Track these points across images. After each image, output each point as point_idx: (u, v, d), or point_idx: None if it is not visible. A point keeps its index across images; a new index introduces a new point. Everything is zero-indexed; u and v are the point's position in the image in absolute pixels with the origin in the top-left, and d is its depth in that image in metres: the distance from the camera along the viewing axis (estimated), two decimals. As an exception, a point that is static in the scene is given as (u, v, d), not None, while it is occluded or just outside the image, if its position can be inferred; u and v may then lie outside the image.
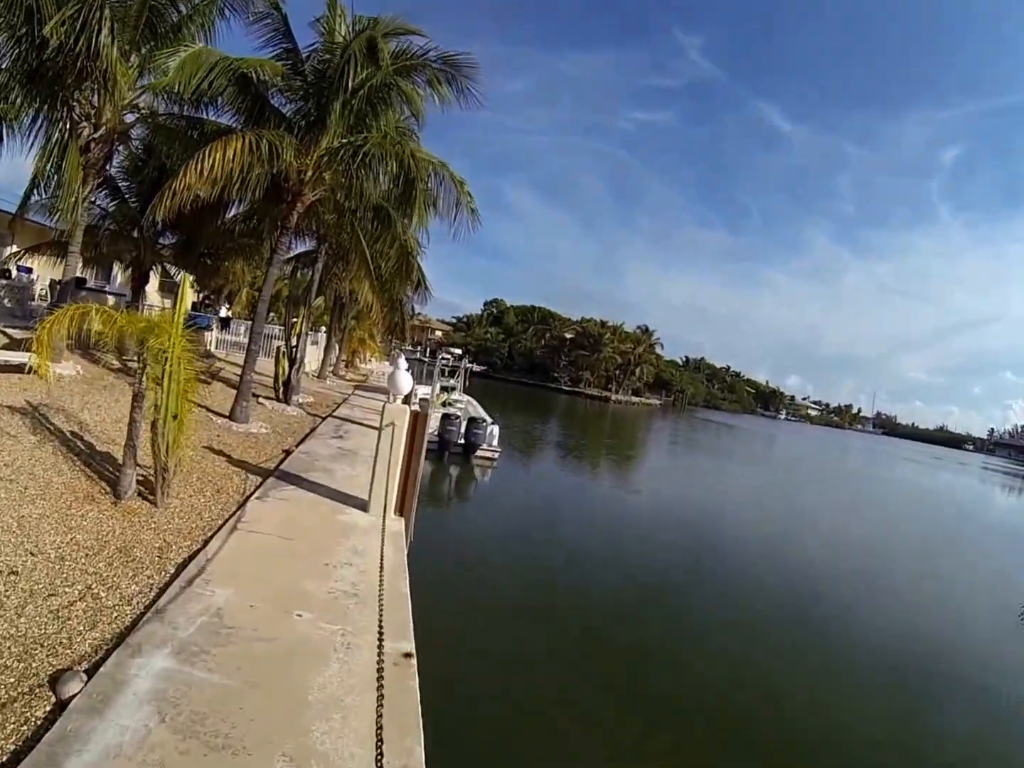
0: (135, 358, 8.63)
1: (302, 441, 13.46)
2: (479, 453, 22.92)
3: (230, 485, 9.60)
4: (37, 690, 4.32)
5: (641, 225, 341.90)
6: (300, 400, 19.48)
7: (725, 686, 9.43)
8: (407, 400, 10.15)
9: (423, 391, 26.60)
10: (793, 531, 23.10)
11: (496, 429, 23.86)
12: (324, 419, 16.80)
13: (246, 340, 26.66)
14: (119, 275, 27.08)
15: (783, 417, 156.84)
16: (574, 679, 9.03)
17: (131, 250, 18.02)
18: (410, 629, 5.85)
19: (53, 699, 4.26)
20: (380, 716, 3.79)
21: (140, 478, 8.43)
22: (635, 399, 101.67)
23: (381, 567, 6.29)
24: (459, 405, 28.17)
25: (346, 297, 26.93)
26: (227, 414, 13.77)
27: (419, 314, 67.36)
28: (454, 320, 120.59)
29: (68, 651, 4.82)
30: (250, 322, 30.67)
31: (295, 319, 17.49)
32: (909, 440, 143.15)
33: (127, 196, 17.26)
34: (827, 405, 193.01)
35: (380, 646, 4.76)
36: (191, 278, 19.47)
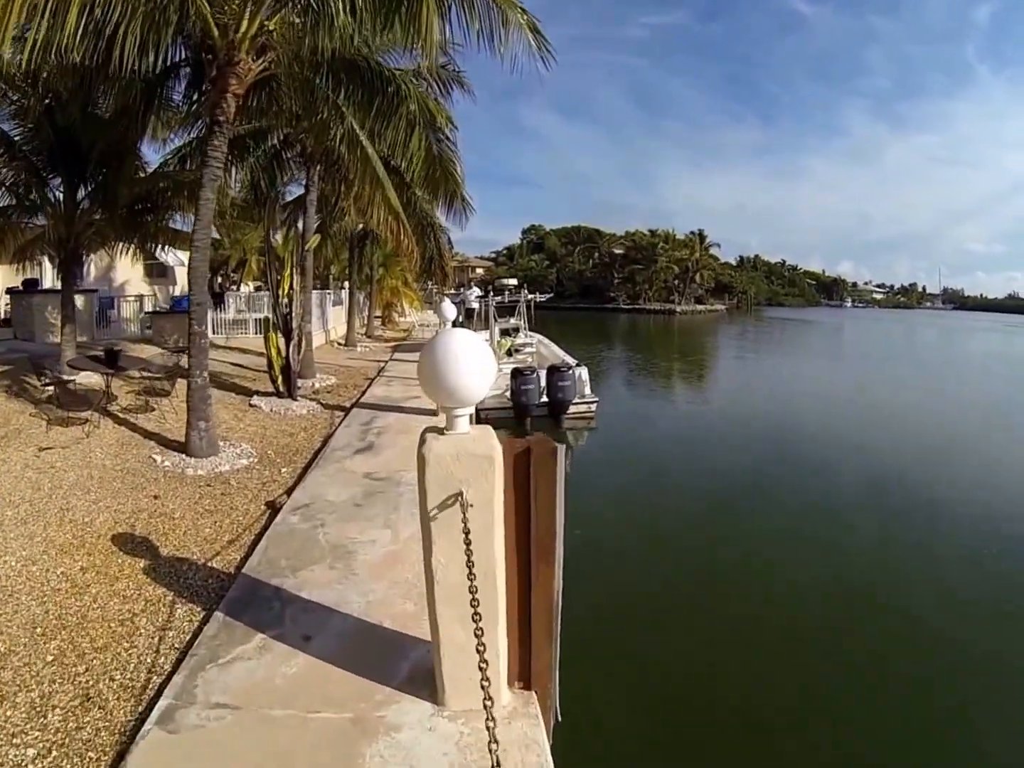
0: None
1: (305, 470, 7.90)
2: (571, 410, 17.11)
3: (99, 706, 4.10)
4: None
5: (671, 132, 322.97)
6: (316, 385, 14.02)
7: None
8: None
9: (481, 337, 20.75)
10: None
11: (584, 372, 17.80)
12: (347, 412, 11.24)
13: (249, 315, 21.39)
14: (92, 267, 22.03)
15: (850, 305, 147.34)
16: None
17: (54, 228, 12.44)
18: None
19: None
20: None
21: None
22: (700, 307, 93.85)
23: None
24: (529, 349, 22.26)
25: (354, 225, 21.19)
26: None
27: (456, 253, 61.41)
28: (493, 255, 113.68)
29: None
30: (251, 290, 25.02)
31: (280, 274, 11.67)
32: (982, 312, 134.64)
33: (26, 150, 11.55)
34: (891, 287, 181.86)
35: None
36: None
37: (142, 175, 12.61)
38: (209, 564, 5.51)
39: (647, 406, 23.47)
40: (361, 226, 23.51)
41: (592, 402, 17.52)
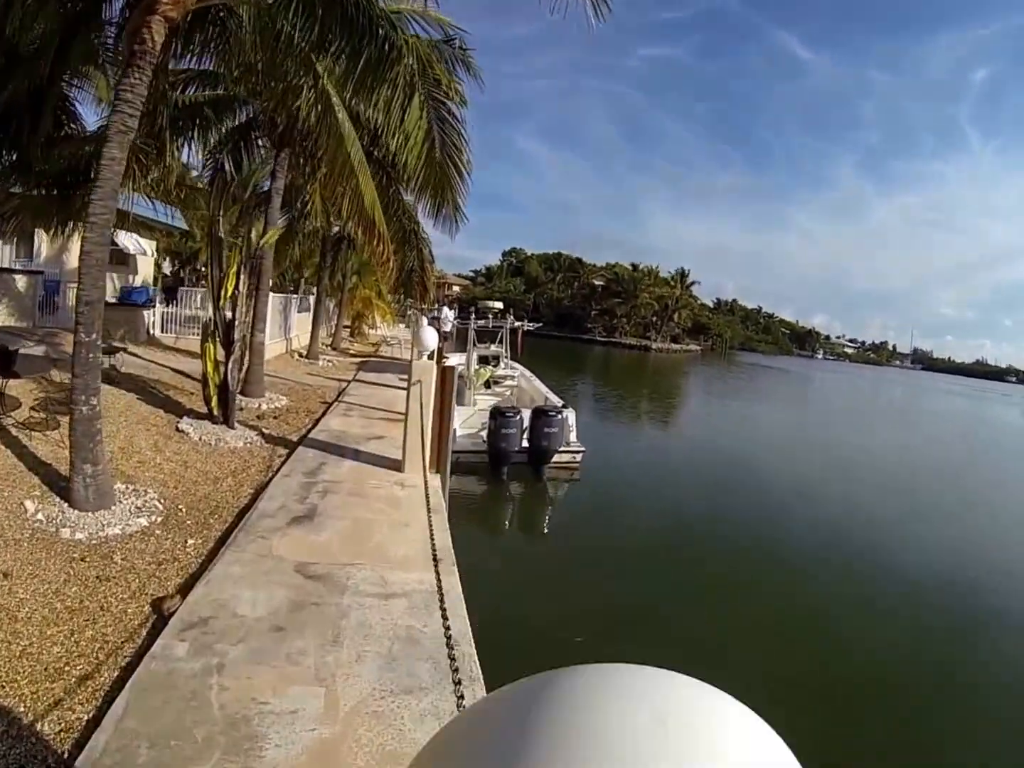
0: None
1: (219, 547, 5.71)
2: (555, 460, 15.01)
3: None
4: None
5: (658, 168, 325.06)
6: (263, 407, 11.89)
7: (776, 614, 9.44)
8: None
9: (454, 361, 18.69)
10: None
11: (572, 417, 15.73)
12: (292, 451, 9.08)
13: (206, 311, 19.08)
14: (43, 247, 19.76)
15: (821, 356, 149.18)
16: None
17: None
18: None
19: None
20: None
21: None
22: (676, 346, 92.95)
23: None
24: (509, 382, 20.20)
25: (327, 226, 19.23)
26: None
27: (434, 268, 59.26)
28: (472, 274, 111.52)
29: None
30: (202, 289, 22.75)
31: (225, 271, 9.47)
32: (950, 375, 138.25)
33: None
34: (863, 343, 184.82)
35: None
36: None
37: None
38: (37, 727, 3.43)
39: (632, 454, 21.50)
40: (337, 229, 21.52)
41: (578, 451, 15.51)
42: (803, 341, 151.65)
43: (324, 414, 12.03)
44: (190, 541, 5.83)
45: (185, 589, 4.88)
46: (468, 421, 15.39)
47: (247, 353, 10.25)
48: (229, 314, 9.62)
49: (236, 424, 9.77)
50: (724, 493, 16.68)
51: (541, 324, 27.21)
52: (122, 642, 4.25)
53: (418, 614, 4.65)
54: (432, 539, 4.42)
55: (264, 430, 10.12)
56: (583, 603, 9.13)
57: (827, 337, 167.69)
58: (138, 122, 6.40)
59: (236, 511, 6.66)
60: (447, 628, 3.01)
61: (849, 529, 14.72)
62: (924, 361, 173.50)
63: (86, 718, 3.55)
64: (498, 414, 14.19)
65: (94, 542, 5.58)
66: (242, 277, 9.50)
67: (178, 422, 9.64)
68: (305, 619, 4.43)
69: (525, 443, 14.45)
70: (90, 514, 5.96)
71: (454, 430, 11.27)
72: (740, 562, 11.61)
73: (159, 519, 6.20)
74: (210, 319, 9.88)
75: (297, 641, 4.16)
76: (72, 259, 20.41)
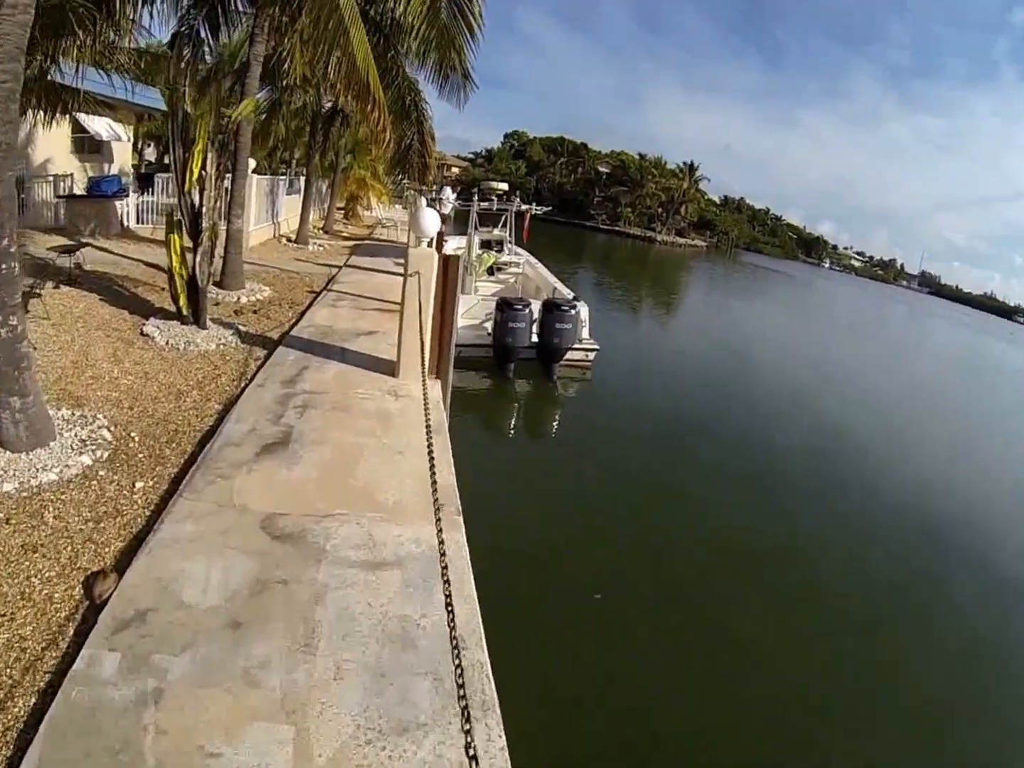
0: None
1: (172, 491, 4.66)
2: (566, 358, 13.94)
3: None
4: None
5: (669, 56, 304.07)
6: (243, 300, 10.75)
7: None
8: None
9: (453, 245, 17.51)
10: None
11: (585, 311, 14.41)
12: (271, 353, 7.96)
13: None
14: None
15: (827, 266, 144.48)
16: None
17: None
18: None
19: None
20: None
21: None
22: (680, 240, 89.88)
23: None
24: (514, 269, 18.75)
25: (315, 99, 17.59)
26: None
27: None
28: (471, 156, 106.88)
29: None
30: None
31: (190, 150, 8.01)
32: (958, 304, 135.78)
33: None
34: (871, 258, 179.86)
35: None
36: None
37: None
38: None
39: (642, 351, 20.49)
40: (330, 104, 19.65)
41: (591, 349, 14.40)
42: (810, 248, 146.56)
43: (310, 305, 10.92)
44: (138, 484, 4.78)
45: (124, 560, 3.87)
46: (470, 311, 14.24)
47: (218, 242, 8.89)
48: (197, 199, 8.26)
49: (209, 323, 8.61)
50: (736, 400, 15.99)
51: (550, 208, 25.27)
52: (43, 649, 3.25)
53: (414, 596, 3.66)
54: (433, 477, 3.21)
55: (241, 327, 8.98)
56: (598, 531, 8.33)
57: (834, 247, 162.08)
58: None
59: (198, 436, 5.59)
60: (455, 649, 1.97)
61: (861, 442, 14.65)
62: (932, 285, 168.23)
63: (-6, 775, 2.61)
64: (506, 306, 13.03)
65: (24, 494, 4.50)
66: (210, 156, 8.05)
67: (143, 324, 8.49)
68: (269, 607, 3.43)
69: (535, 339, 13.38)
70: (23, 456, 4.87)
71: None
72: (758, 472, 11.33)
73: (106, 454, 5.14)
74: (170, 211, 8.55)
75: (258, 645, 3.17)
76: (39, 153, 18.66)
